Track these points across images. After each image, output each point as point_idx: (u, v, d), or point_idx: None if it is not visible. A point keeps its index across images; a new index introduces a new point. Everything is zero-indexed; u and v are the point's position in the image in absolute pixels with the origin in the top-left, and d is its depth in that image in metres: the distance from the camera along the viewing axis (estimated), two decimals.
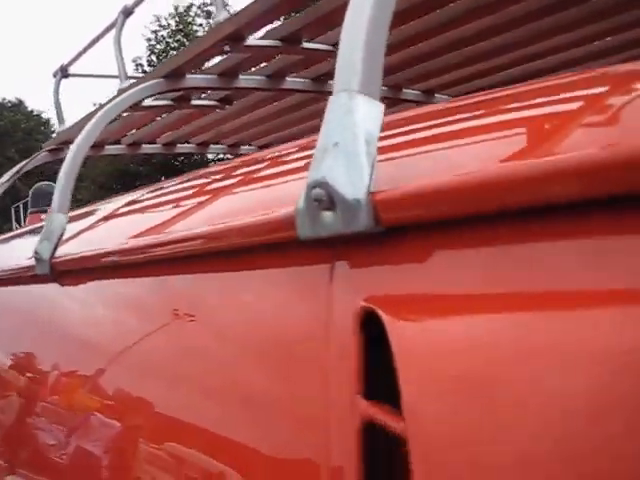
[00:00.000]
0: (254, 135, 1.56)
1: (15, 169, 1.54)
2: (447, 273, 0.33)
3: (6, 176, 1.52)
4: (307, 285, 0.42)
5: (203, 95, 1.26)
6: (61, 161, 1.20)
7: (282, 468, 0.39)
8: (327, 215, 0.38)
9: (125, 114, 1.34)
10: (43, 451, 0.82)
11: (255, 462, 0.42)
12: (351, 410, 0.34)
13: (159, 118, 1.35)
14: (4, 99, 27.74)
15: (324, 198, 0.37)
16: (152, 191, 0.86)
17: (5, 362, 1.01)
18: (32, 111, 27.47)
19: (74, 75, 1.48)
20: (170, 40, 20.48)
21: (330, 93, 0.41)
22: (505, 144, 0.38)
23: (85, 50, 1.35)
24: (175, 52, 19.60)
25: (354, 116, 0.39)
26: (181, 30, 21.14)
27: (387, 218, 0.35)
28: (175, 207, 0.73)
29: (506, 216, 0.30)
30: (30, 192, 3.41)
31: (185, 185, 0.80)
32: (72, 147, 0.94)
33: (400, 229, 0.35)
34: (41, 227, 1.11)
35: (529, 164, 0.30)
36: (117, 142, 1.56)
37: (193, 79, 1.05)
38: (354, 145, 0.38)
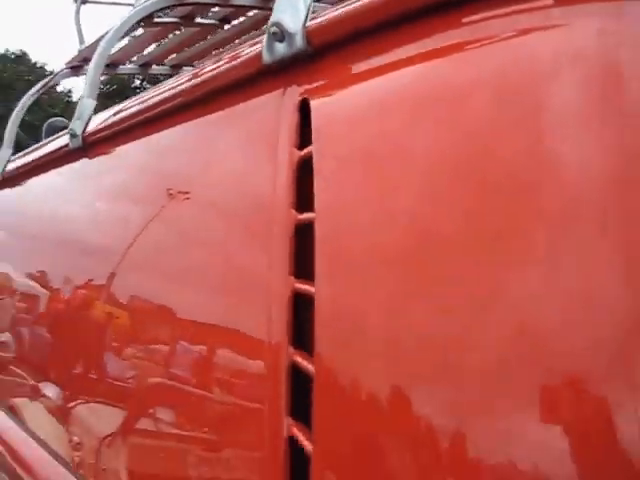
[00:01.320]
0: None
1: (40, 84, 1.75)
2: (356, 74, 0.56)
3: (32, 90, 1.73)
4: (269, 98, 0.64)
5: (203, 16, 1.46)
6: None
7: None
8: (280, 45, 0.60)
9: (138, 34, 1.54)
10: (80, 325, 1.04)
11: None
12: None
13: (170, 37, 1.56)
14: (7, 50, 27.68)
15: (278, 33, 0.60)
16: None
17: (44, 230, 1.25)
18: (35, 63, 27.45)
19: (92, 2, 1.68)
20: None
21: None
22: None
23: None
24: None
25: None
26: None
27: (315, 41, 0.58)
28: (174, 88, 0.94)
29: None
30: (44, 128, 3.61)
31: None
32: (94, 58, 1.16)
33: (323, 48, 0.58)
34: None
35: None
36: (129, 62, 1.77)
37: None
38: None
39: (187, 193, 0.75)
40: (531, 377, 0.36)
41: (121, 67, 1.75)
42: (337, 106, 0.54)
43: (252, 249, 0.60)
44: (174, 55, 1.75)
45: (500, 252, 0.40)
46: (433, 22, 0.49)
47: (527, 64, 0.43)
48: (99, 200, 1.08)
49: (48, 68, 25.57)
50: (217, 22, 1.46)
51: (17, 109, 1.68)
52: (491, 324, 0.40)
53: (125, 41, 1.55)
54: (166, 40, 1.62)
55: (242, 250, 0.63)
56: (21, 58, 27.45)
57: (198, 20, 1.43)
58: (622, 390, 0.34)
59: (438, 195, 0.44)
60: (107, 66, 1.73)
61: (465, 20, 0.47)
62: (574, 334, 0.35)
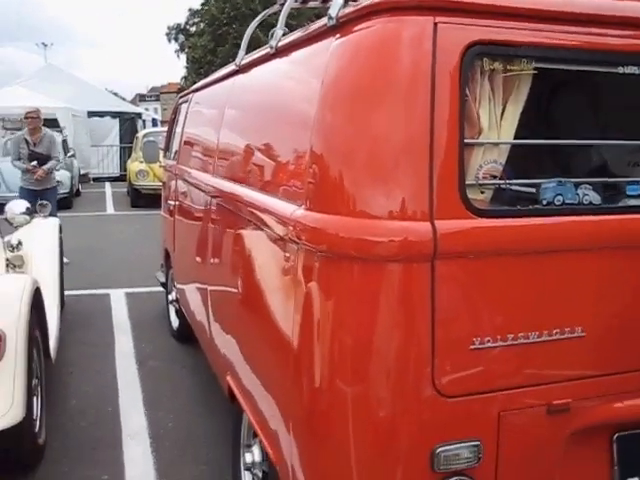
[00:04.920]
0: None
1: (262, 15, 2.73)
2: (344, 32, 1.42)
3: (259, 16, 2.70)
4: (326, 41, 1.51)
5: None
6: None
7: None
8: (330, 20, 1.48)
9: None
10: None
11: None
12: None
13: None
14: None
15: (329, 14, 1.47)
16: None
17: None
18: None
19: None
20: None
21: None
22: None
23: None
24: None
25: None
26: None
27: (340, 19, 1.44)
28: None
29: None
30: None
31: None
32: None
33: (344, 22, 1.43)
34: None
35: None
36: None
37: None
38: None
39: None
40: None
41: (310, 3, 2.66)
42: (343, 47, 1.42)
43: None
44: None
45: None
46: None
47: None
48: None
49: None
50: None
51: (250, 27, 2.65)
52: None
53: None
54: None
55: None
56: None
57: None
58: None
59: None
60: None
61: None
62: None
